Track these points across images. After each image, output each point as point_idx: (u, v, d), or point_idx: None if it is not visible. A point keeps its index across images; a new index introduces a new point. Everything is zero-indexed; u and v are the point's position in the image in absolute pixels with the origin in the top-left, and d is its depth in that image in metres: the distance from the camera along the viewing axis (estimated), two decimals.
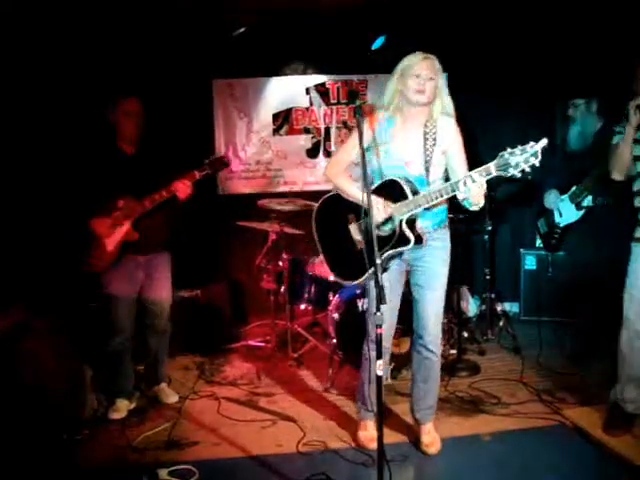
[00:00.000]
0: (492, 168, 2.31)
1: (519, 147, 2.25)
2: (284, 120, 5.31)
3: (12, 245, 3.82)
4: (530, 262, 5.02)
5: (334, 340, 3.82)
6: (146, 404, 3.50)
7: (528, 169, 2.24)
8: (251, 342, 4.59)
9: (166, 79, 4.79)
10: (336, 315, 3.81)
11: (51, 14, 3.98)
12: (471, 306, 4.96)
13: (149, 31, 4.56)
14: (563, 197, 3.88)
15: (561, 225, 3.93)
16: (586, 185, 3.68)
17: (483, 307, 4.76)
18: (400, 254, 2.69)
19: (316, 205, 2.93)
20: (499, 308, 4.70)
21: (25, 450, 2.73)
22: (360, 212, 2.64)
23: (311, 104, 5.28)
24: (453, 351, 4.13)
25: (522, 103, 5.15)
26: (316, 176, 5.32)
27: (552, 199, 3.99)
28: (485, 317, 4.69)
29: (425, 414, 2.90)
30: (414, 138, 2.65)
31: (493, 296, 4.68)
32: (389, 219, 2.59)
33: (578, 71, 4.70)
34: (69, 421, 3.08)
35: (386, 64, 5.17)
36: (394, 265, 2.75)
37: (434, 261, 2.74)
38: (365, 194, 2.28)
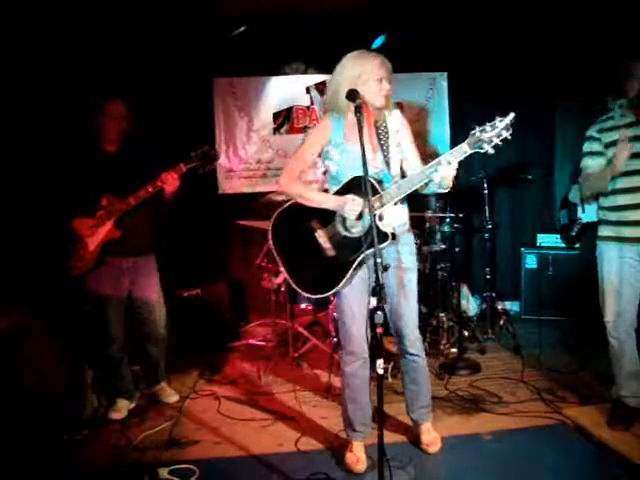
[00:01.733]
0: (466, 147, 2.38)
1: (488, 124, 2.34)
2: (285, 119, 5.31)
3: (9, 246, 3.81)
4: (531, 261, 5.02)
5: (334, 339, 3.82)
6: (146, 404, 3.50)
7: (500, 143, 2.33)
8: (251, 341, 4.60)
9: (167, 78, 4.79)
10: (336, 314, 3.80)
11: (52, 14, 3.97)
12: (472, 305, 4.95)
13: (150, 30, 4.56)
14: None
15: (583, 221, 3.93)
16: None
17: (484, 306, 4.76)
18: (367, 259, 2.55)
19: (270, 222, 2.72)
20: (500, 307, 4.69)
21: (26, 450, 2.73)
22: (325, 217, 2.59)
23: (312, 103, 5.29)
24: (454, 350, 4.13)
25: (522, 103, 5.13)
26: (316, 175, 5.31)
27: (577, 194, 3.97)
28: (486, 316, 4.69)
29: (421, 414, 2.88)
30: (372, 135, 2.62)
31: (494, 295, 4.68)
32: (359, 218, 2.53)
33: (581, 71, 4.71)
34: (69, 421, 3.08)
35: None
36: (357, 274, 2.61)
37: (404, 266, 2.65)
38: (364, 194, 2.28)
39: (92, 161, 3.21)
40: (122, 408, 3.35)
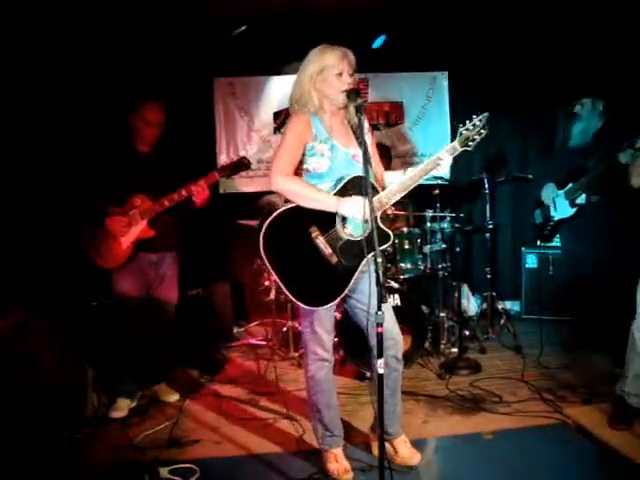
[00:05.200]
0: (457, 145, 2.43)
1: (469, 123, 2.41)
2: (285, 119, 5.30)
3: (14, 245, 3.82)
4: (531, 260, 5.03)
5: (335, 339, 3.81)
6: (147, 403, 3.50)
7: (479, 139, 2.43)
8: (252, 341, 4.61)
9: (167, 78, 4.79)
10: (337, 314, 3.80)
11: (56, 14, 3.98)
12: (472, 304, 4.95)
13: (150, 30, 4.56)
14: (559, 192, 3.96)
15: (555, 219, 4.02)
16: (582, 183, 3.74)
17: (484, 305, 4.76)
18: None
19: (261, 233, 2.47)
20: (500, 306, 4.69)
21: (26, 449, 2.73)
22: (324, 222, 2.46)
23: None
24: (454, 349, 4.13)
25: (523, 102, 5.15)
26: None
27: (549, 193, 4.07)
28: (486, 315, 4.69)
29: (398, 426, 2.73)
30: (348, 132, 2.54)
31: (494, 294, 4.68)
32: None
33: (581, 72, 4.70)
34: (70, 420, 3.08)
35: (387, 63, 5.21)
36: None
37: (369, 263, 2.46)
38: (365, 198, 2.23)
39: (126, 160, 3.28)
40: (123, 407, 3.35)
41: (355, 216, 2.41)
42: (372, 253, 2.40)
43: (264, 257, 2.47)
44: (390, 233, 2.50)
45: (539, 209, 4.21)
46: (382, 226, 2.49)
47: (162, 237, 3.30)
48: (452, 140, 2.46)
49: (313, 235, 2.46)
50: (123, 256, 3.26)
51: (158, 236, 3.27)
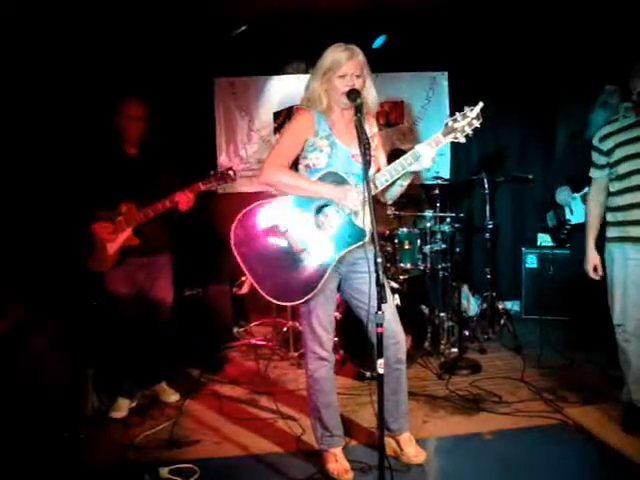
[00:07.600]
0: (441, 137, 2.38)
1: (459, 113, 2.36)
2: (285, 119, 5.31)
3: (12, 245, 3.82)
4: (531, 260, 5.03)
5: (335, 339, 3.81)
6: (147, 403, 3.50)
7: (471, 132, 2.35)
8: (252, 341, 4.60)
9: (168, 78, 4.79)
10: (337, 314, 3.80)
11: (55, 14, 3.97)
12: (472, 305, 4.96)
13: (151, 30, 4.56)
14: (575, 195, 3.91)
15: (572, 222, 3.97)
16: None
17: (484, 305, 4.76)
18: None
19: (231, 234, 2.51)
20: (500, 306, 4.69)
21: (27, 449, 2.73)
22: (294, 217, 2.46)
23: None
24: (454, 349, 4.13)
25: (523, 102, 5.15)
26: None
27: (564, 196, 4.02)
28: (486, 316, 4.70)
29: (402, 423, 2.74)
30: (353, 132, 2.44)
31: (494, 294, 4.68)
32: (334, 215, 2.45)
33: (582, 72, 4.70)
34: (70, 420, 3.08)
35: (387, 63, 5.21)
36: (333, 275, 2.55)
37: (370, 264, 2.33)
38: (365, 196, 2.23)
39: (114, 163, 3.27)
40: (123, 407, 3.35)
41: (347, 204, 2.41)
42: (345, 250, 2.45)
43: (234, 251, 2.48)
44: (366, 230, 2.45)
45: (551, 211, 4.17)
46: (356, 222, 2.45)
47: (152, 241, 3.29)
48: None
49: (283, 230, 2.46)
50: (110, 261, 3.26)
51: (147, 240, 3.26)
